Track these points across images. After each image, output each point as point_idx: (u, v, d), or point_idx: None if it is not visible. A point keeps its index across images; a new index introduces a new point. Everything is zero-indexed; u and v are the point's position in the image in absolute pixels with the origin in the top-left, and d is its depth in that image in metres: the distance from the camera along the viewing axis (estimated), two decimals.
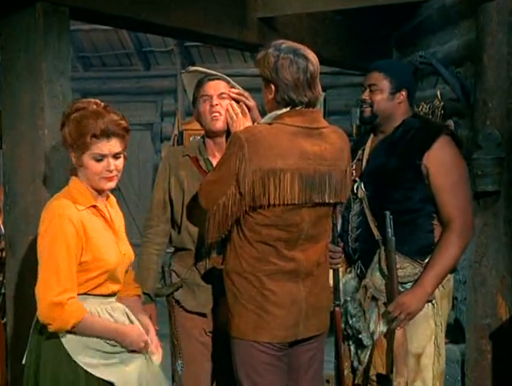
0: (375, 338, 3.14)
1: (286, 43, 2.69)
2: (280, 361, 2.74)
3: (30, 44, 3.12)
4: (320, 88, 2.70)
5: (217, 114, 3.07)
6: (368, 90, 3.20)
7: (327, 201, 2.71)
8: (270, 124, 2.67)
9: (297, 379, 2.83)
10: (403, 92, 3.18)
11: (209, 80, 3.12)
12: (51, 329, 2.49)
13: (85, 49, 9.18)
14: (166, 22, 3.88)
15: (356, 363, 3.20)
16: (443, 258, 3.04)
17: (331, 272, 3.13)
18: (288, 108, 2.66)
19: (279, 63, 2.62)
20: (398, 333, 3.06)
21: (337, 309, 3.16)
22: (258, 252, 2.66)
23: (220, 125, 3.08)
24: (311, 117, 2.68)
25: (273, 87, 2.66)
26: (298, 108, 2.66)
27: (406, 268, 3.10)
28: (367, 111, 3.21)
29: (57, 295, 2.45)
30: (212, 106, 3.07)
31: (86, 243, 2.53)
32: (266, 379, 2.72)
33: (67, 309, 2.47)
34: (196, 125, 3.36)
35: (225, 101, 3.08)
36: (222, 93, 3.09)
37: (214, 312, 3.11)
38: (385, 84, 3.17)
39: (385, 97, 3.17)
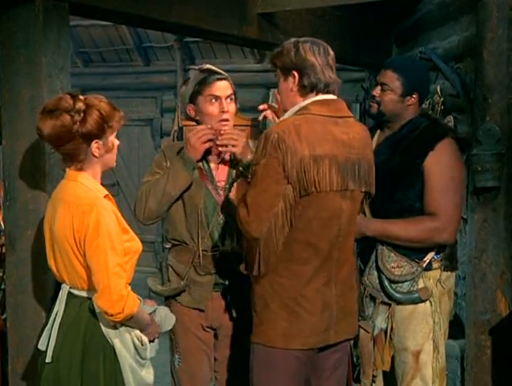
0: (374, 334, 3.14)
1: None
2: (305, 367, 2.67)
3: (30, 39, 3.11)
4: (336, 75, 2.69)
5: (227, 121, 3.07)
6: (379, 87, 3.18)
7: (363, 189, 2.68)
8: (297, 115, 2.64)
9: (322, 382, 2.77)
10: (414, 96, 3.16)
11: (218, 79, 3.11)
12: (118, 318, 2.51)
13: (85, 45, 9.17)
14: (165, 17, 3.86)
15: (355, 359, 3.21)
16: (404, 226, 3.05)
17: None
18: (311, 100, 2.64)
19: (300, 48, 2.63)
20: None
21: None
22: (293, 254, 2.59)
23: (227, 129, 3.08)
24: (335, 107, 2.68)
25: (296, 73, 2.64)
26: (320, 97, 2.64)
27: (403, 267, 3.10)
28: (374, 107, 3.20)
29: (125, 284, 2.53)
30: (223, 112, 3.07)
31: (122, 227, 2.62)
32: None
33: (130, 296, 2.54)
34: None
35: (233, 104, 3.10)
36: (230, 95, 3.10)
37: (210, 307, 3.12)
38: (397, 85, 3.14)
39: (394, 99, 3.15)
